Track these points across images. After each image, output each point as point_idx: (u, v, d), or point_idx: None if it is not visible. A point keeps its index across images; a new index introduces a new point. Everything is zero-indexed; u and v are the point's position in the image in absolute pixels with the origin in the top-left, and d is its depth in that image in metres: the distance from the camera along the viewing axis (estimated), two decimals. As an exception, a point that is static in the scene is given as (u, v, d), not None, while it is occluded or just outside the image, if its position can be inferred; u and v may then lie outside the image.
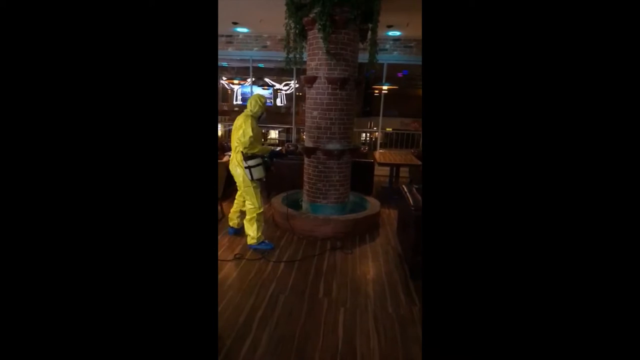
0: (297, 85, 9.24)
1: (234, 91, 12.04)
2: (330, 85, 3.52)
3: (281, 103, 12.30)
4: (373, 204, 4.08)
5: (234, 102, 12.11)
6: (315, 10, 3.35)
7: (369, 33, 3.67)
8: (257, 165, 3.09)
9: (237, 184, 3.25)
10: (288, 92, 11.95)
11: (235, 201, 3.45)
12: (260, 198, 3.24)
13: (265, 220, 3.56)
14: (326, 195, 3.80)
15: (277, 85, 11.86)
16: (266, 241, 3.30)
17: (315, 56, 3.54)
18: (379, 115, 7.05)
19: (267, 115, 3.49)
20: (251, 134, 2.98)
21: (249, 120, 3.04)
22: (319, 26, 3.31)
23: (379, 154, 5.80)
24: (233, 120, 3.37)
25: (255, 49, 6.44)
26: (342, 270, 2.90)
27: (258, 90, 10.51)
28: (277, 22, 5.33)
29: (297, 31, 3.66)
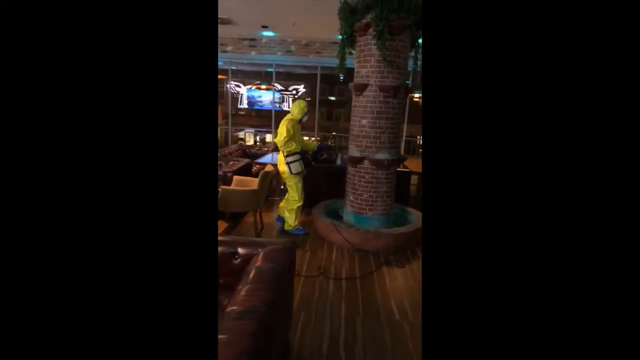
0: (304, 90, 9.06)
1: (239, 94, 11.81)
2: (382, 93, 3.40)
3: (288, 108, 12.12)
4: (417, 215, 3.96)
5: (239, 106, 11.89)
6: (369, 16, 3.23)
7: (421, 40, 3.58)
8: (295, 161, 3.52)
9: (284, 179, 3.67)
10: (296, 97, 11.77)
11: (286, 195, 3.76)
12: (302, 192, 3.66)
13: (309, 232, 3.81)
14: (373, 206, 3.66)
15: (286, 91, 11.68)
16: (300, 227, 3.77)
17: (366, 63, 3.41)
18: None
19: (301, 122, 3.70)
20: (285, 134, 3.39)
21: (286, 123, 3.45)
22: (375, 32, 3.18)
23: (411, 162, 5.69)
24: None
25: (279, 53, 6.30)
26: (408, 288, 2.76)
27: (269, 94, 10.35)
28: (310, 26, 5.24)
29: (345, 37, 3.54)
